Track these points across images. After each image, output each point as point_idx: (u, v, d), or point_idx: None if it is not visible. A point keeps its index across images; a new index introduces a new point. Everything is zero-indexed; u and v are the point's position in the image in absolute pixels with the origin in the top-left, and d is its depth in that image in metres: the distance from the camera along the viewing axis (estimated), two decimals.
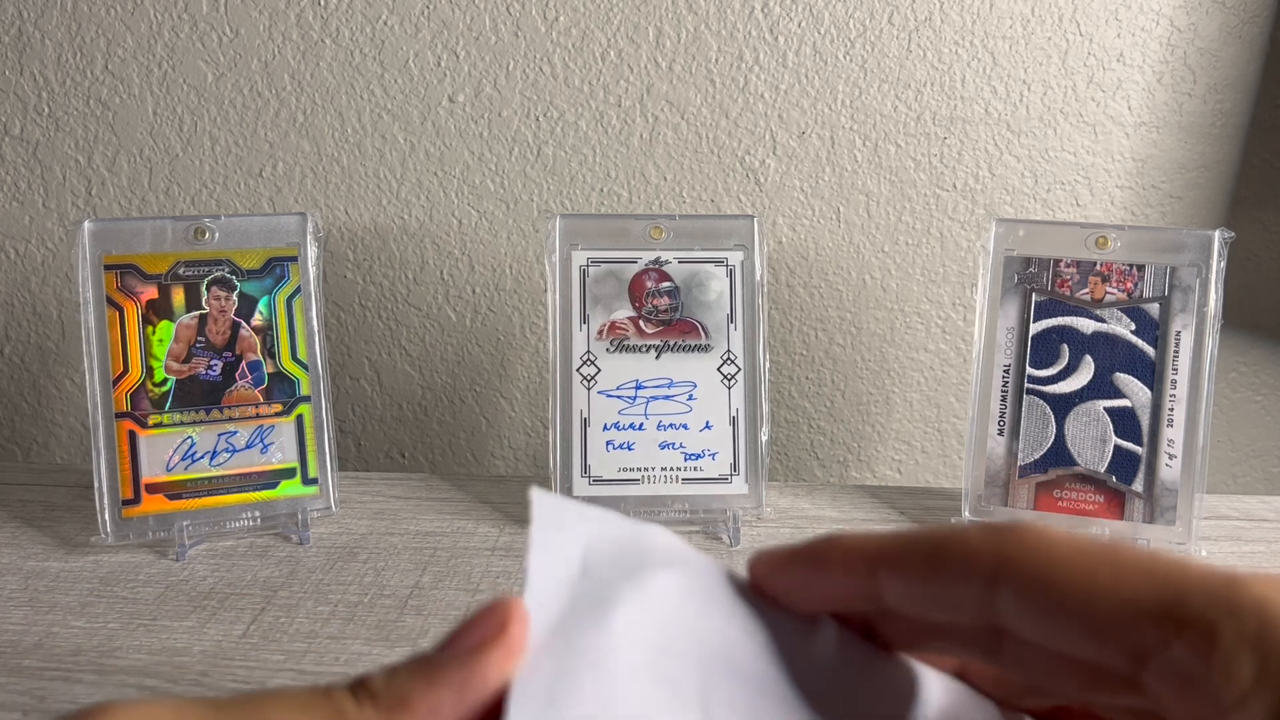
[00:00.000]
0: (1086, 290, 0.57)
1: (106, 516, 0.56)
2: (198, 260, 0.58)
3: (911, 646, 0.23)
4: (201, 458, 0.58)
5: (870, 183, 0.71)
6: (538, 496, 0.22)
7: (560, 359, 0.60)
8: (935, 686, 0.23)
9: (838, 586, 0.21)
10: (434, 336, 0.75)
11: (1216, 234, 0.55)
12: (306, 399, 0.60)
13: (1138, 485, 0.57)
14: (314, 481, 0.60)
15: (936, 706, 0.22)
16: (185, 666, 0.46)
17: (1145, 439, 0.57)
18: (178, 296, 0.58)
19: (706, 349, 0.60)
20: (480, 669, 0.19)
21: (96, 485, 0.56)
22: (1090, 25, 0.67)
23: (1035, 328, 0.58)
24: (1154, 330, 0.56)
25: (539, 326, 0.75)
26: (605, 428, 0.60)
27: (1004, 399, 0.59)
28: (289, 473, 0.60)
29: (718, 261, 0.60)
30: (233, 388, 0.59)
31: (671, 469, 0.60)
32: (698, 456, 0.60)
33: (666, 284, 0.60)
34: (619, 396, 0.60)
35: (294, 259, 0.60)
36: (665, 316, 0.60)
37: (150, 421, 0.57)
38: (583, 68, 0.69)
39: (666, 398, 0.60)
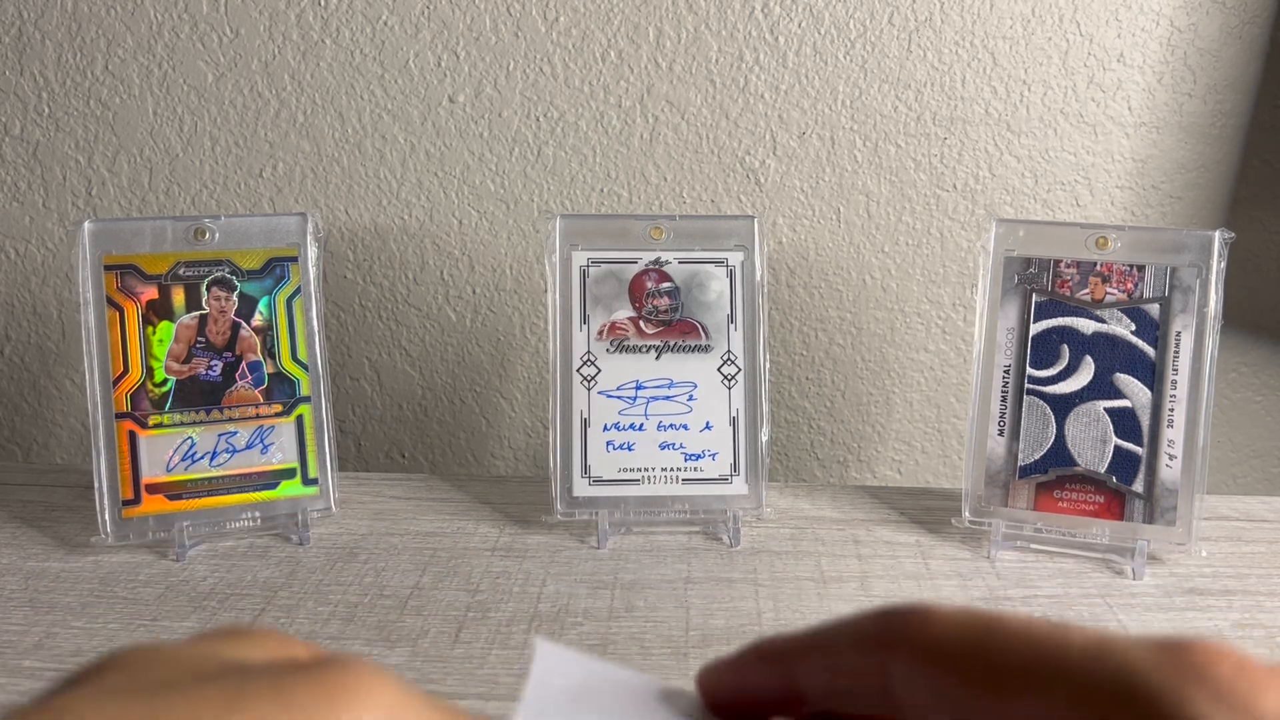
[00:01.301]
0: (1087, 291, 0.57)
1: (106, 517, 0.56)
2: (198, 260, 0.58)
3: None
4: (202, 458, 0.58)
5: (870, 183, 0.71)
6: (540, 644, 0.23)
7: (560, 359, 0.60)
8: None
9: (768, 687, 0.23)
10: (434, 337, 0.75)
11: (1216, 234, 0.55)
12: (306, 399, 0.60)
13: (1138, 486, 0.57)
14: (314, 482, 0.60)
15: None
16: None
17: (1145, 439, 0.57)
18: (178, 297, 0.58)
19: (706, 349, 0.60)
20: None
21: (96, 485, 0.56)
22: (1090, 25, 0.67)
23: (1035, 328, 0.58)
24: (1154, 331, 0.56)
25: (539, 327, 0.75)
26: (605, 428, 0.60)
27: (1004, 399, 0.59)
28: (289, 473, 0.60)
29: (718, 262, 0.60)
30: (233, 388, 0.59)
31: (672, 469, 0.60)
32: (698, 457, 0.60)
33: (666, 284, 0.60)
34: (619, 397, 0.60)
35: (294, 259, 0.60)
36: (665, 317, 0.60)
37: (150, 422, 0.57)
38: (583, 68, 0.69)
39: (667, 398, 0.60)
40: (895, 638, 0.21)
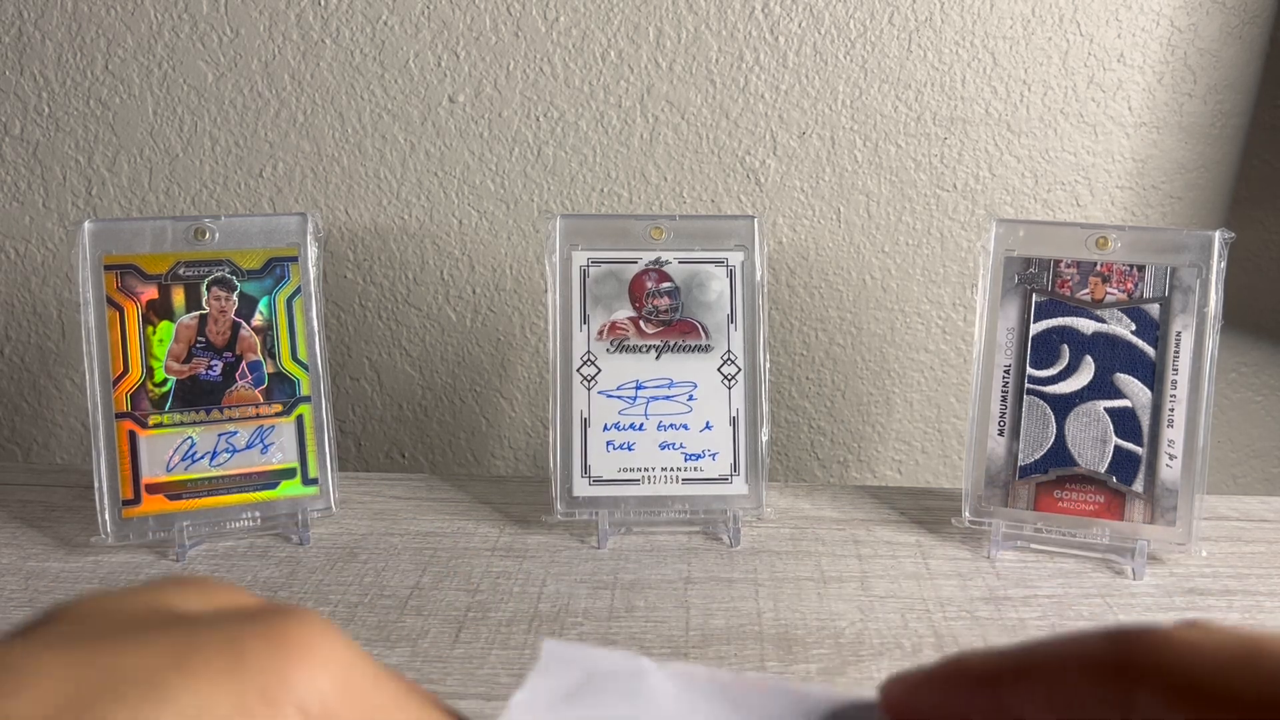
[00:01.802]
0: (1087, 290, 0.57)
1: (106, 517, 0.56)
2: (198, 260, 0.58)
3: None
4: (201, 458, 0.58)
5: (870, 183, 0.71)
6: (546, 644, 0.23)
7: (560, 359, 0.60)
8: None
9: (974, 712, 0.21)
10: (434, 336, 0.75)
11: (1216, 234, 0.55)
12: (306, 399, 0.60)
13: (1138, 486, 0.57)
14: (314, 482, 0.60)
15: None
16: None
17: (1145, 439, 0.57)
18: (178, 296, 0.58)
19: (707, 349, 0.60)
20: None
21: (96, 485, 0.56)
22: (1090, 26, 0.67)
23: (1035, 328, 0.58)
24: (1154, 331, 0.56)
25: (539, 327, 0.75)
26: (605, 428, 0.60)
27: (1004, 399, 0.59)
28: (289, 473, 0.60)
29: (718, 262, 0.60)
30: (233, 388, 0.59)
31: (672, 469, 0.60)
32: (698, 457, 0.60)
33: (667, 284, 0.60)
34: (619, 397, 0.60)
35: (294, 259, 0.60)
36: (665, 317, 0.60)
37: (150, 422, 0.57)
38: (583, 68, 0.69)
39: (667, 398, 0.60)
40: (1143, 665, 0.18)
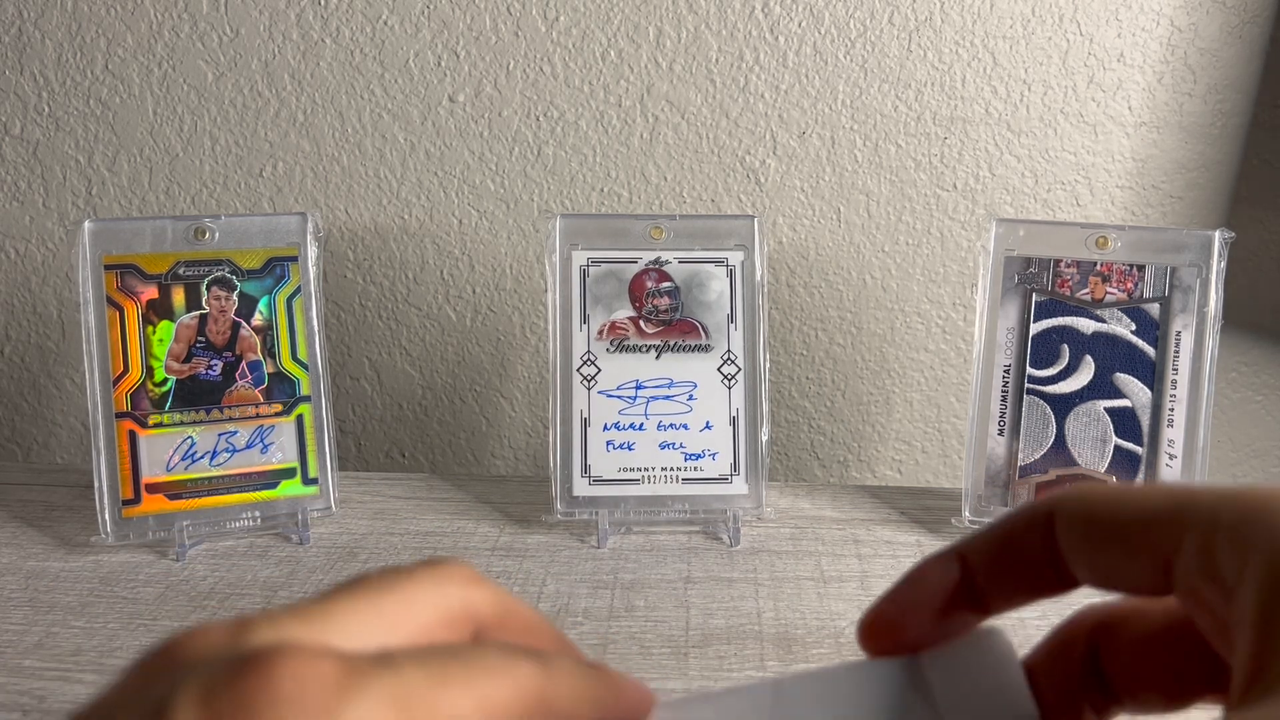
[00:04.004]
0: (1087, 290, 0.57)
1: (106, 516, 0.56)
2: (198, 260, 0.58)
3: (1002, 606, 0.26)
4: (201, 458, 0.58)
5: (870, 183, 0.71)
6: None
7: (560, 359, 0.60)
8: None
9: (938, 598, 0.25)
10: (434, 336, 0.75)
11: (1216, 234, 0.55)
12: (306, 399, 0.60)
13: None
14: (314, 481, 0.60)
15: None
16: None
17: (1145, 439, 0.57)
18: (178, 296, 0.58)
19: (707, 349, 0.60)
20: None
21: (96, 485, 0.56)
22: (1090, 25, 0.67)
23: (1035, 328, 0.58)
24: (1154, 330, 0.56)
25: (539, 326, 0.75)
26: (605, 428, 0.60)
27: (1004, 399, 0.59)
28: (289, 473, 0.60)
29: (718, 261, 0.60)
30: (233, 388, 0.59)
31: (672, 469, 0.60)
32: (698, 456, 0.60)
33: (667, 284, 0.60)
34: (619, 396, 0.60)
35: (294, 259, 0.60)
36: (665, 316, 0.60)
37: (150, 421, 0.57)
38: (583, 68, 0.69)
39: (667, 398, 0.60)
40: (1059, 503, 0.23)
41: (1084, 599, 0.25)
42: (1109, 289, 0.57)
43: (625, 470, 0.60)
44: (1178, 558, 0.21)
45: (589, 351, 0.60)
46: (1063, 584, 0.24)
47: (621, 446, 0.60)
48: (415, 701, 0.18)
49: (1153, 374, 0.57)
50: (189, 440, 0.58)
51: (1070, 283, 0.57)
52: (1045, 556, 0.23)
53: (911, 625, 0.25)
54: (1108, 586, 0.23)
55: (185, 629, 0.19)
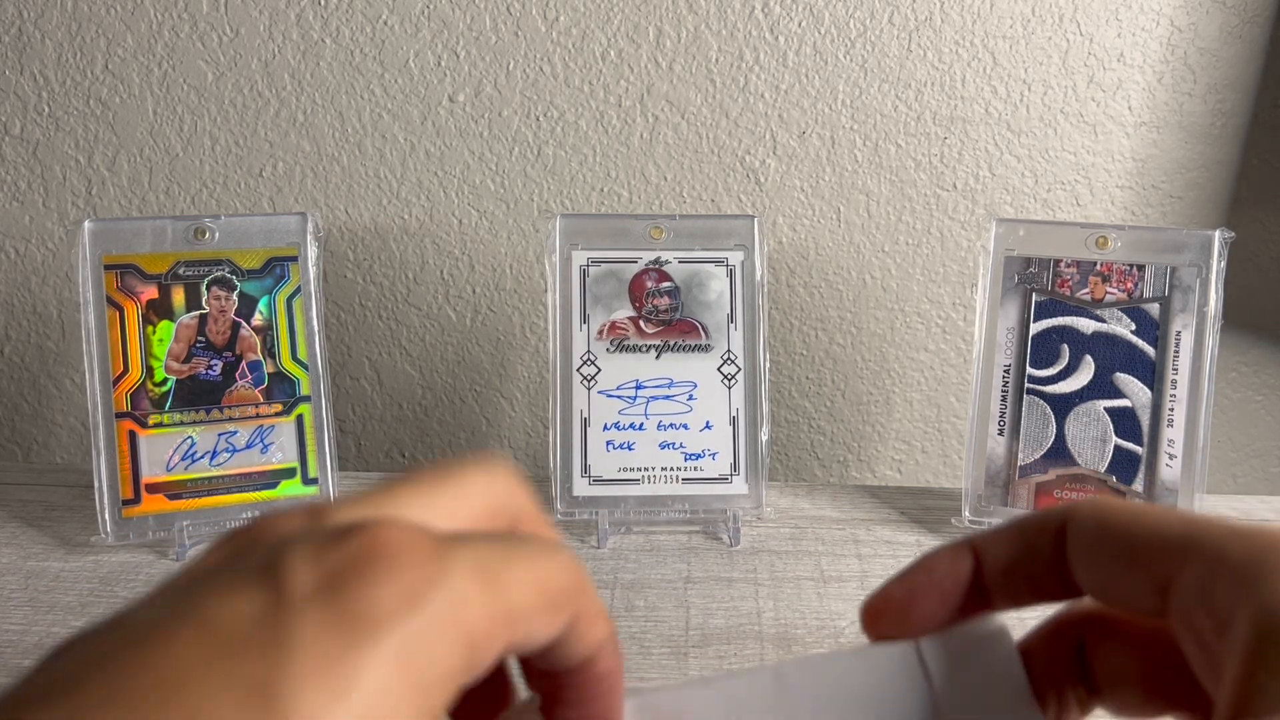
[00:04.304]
0: (1087, 290, 0.57)
1: (106, 516, 0.56)
2: (198, 260, 0.58)
3: (1005, 604, 0.26)
4: (201, 458, 0.58)
5: (870, 183, 0.71)
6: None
7: (560, 359, 0.60)
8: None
9: (947, 586, 0.25)
10: (434, 336, 0.75)
11: (1216, 234, 0.55)
12: (306, 399, 0.60)
13: (1138, 485, 0.57)
14: (314, 481, 0.60)
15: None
16: None
17: (1145, 439, 0.57)
18: (178, 296, 0.58)
19: (706, 349, 0.60)
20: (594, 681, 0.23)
21: (96, 485, 0.56)
22: (1090, 25, 0.67)
23: (1035, 328, 0.58)
24: (1154, 330, 0.56)
25: (539, 326, 0.75)
26: (605, 428, 0.60)
27: (1004, 399, 0.59)
28: (289, 473, 0.60)
29: (718, 261, 0.60)
30: (233, 388, 0.59)
31: (672, 469, 0.60)
32: (698, 456, 0.60)
33: (666, 284, 0.60)
34: (619, 396, 0.60)
35: (294, 259, 0.60)
36: (665, 316, 0.60)
37: (150, 421, 0.57)
38: (583, 68, 0.69)
39: (666, 398, 0.60)
40: (1071, 517, 0.24)
41: None
42: (1109, 289, 0.57)
43: (625, 470, 0.60)
44: (1178, 582, 0.21)
45: (589, 351, 0.60)
46: (1066, 591, 0.24)
47: (621, 446, 0.60)
48: (492, 572, 0.19)
49: (1153, 374, 0.57)
50: (189, 440, 0.58)
51: (1070, 283, 0.57)
52: (1053, 561, 0.24)
53: (917, 610, 0.25)
54: (1106, 599, 0.24)
55: (262, 514, 0.20)
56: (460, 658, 0.18)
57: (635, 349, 0.60)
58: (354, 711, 0.16)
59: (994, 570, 0.25)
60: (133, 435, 0.57)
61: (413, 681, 0.17)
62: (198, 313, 0.58)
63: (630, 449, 0.60)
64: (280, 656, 0.16)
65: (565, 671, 0.22)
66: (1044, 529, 0.24)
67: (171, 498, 0.58)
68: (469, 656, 0.18)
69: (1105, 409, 0.57)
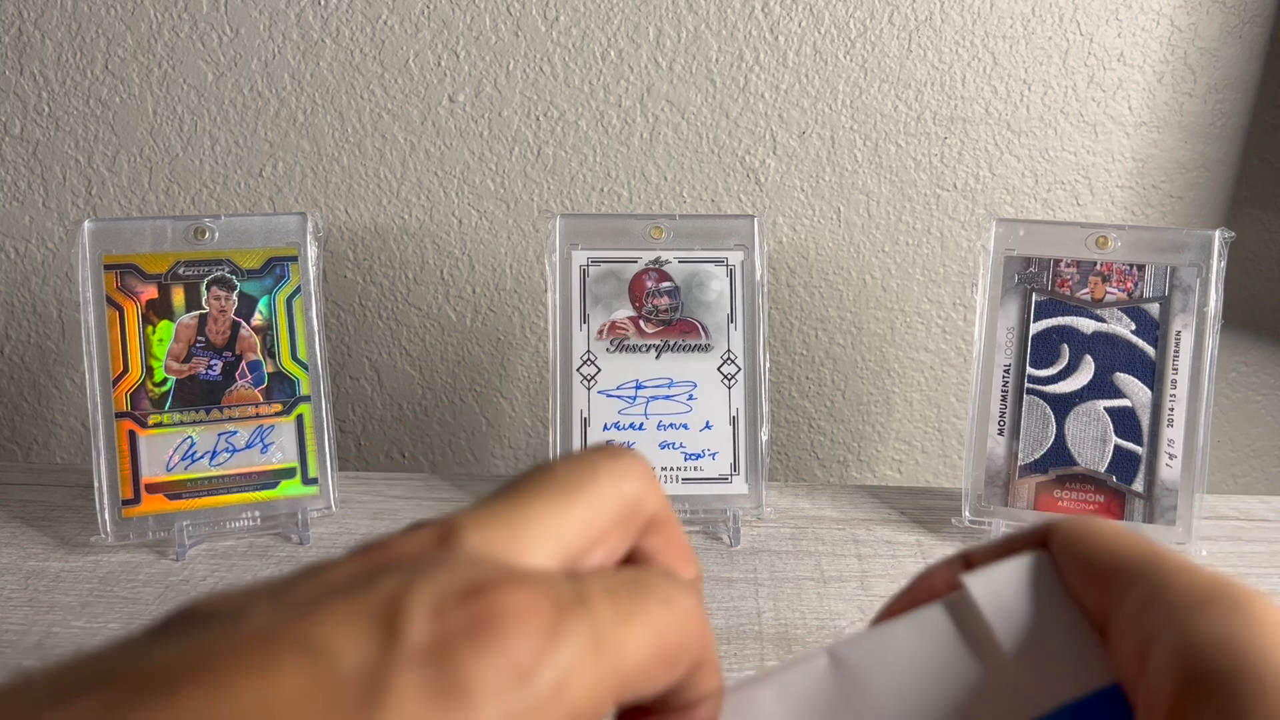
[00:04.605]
0: (1087, 290, 0.57)
1: (106, 516, 0.56)
2: (198, 260, 0.58)
3: None
4: (201, 457, 0.58)
5: (870, 182, 0.71)
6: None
7: (560, 359, 0.60)
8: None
9: (947, 582, 0.26)
10: (434, 336, 0.75)
11: (1217, 234, 0.55)
12: (306, 399, 0.60)
13: (1138, 485, 0.57)
14: (314, 481, 0.60)
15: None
16: None
17: (1145, 439, 0.57)
18: (178, 296, 0.58)
19: (706, 349, 0.60)
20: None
21: (96, 485, 0.56)
22: (1090, 25, 0.67)
23: (1035, 327, 0.58)
24: (1154, 330, 0.56)
25: (539, 326, 0.75)
26: (605, 427, 0.60)
27: (1004, 399, 0.59)
28: (289, 472, 0.60)
29: (718, 261, 0.60)
30: (233, 387, 0.59)
31: (671, 469, 0.60)
32: (698, 456, 0.60)
33: (667, 284, 0.60)
34: (619, 396, 0.60)
35: (294, 259, 0.60)
36: (665, 316, 0.60)
37: (150, 421, 0.57)
38: (583, 68, 0.69)
39: (666, 397, 0.60)
40: (1060, 520, 0.25)
41: None
42: (1109, 289, 0.57)
43: None
44: (1121, 605, 0.22)
45: (589, 351, 0.60)
46: None
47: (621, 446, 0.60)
48: (606, 641, 0.19)
49: (1153, 374, 0.57)
50: (189, 440, 0.58)
51: (1070, 282, 0.57)
52: None
53: None
54: None
55: (400, 531, 0.20)
56: None
57: (635, 349, 0.60)
58: None
59: None
60: (133, 435, 0.57)
61: None
62: (197, 313, 0.58)
63: (630, 449, 0.60)
64: (374, 714, 0.16)
65: (660, 712, 0.22)
66: (1030, 540, 0.25)
67: (171, 498, 0.58)
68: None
69: (1105, 409, 0.57)
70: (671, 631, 0.20)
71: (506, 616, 0.18)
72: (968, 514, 0.59)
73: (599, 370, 0.60)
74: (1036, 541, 0.25)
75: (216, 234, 0.58)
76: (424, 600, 0.17)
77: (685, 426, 0.60)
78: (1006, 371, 0.59)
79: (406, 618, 0.17)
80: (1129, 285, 0.57)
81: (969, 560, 0.26)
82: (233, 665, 0.16)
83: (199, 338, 0.58)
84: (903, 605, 0.26)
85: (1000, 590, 0.25)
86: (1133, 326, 0.57)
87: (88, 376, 0.56)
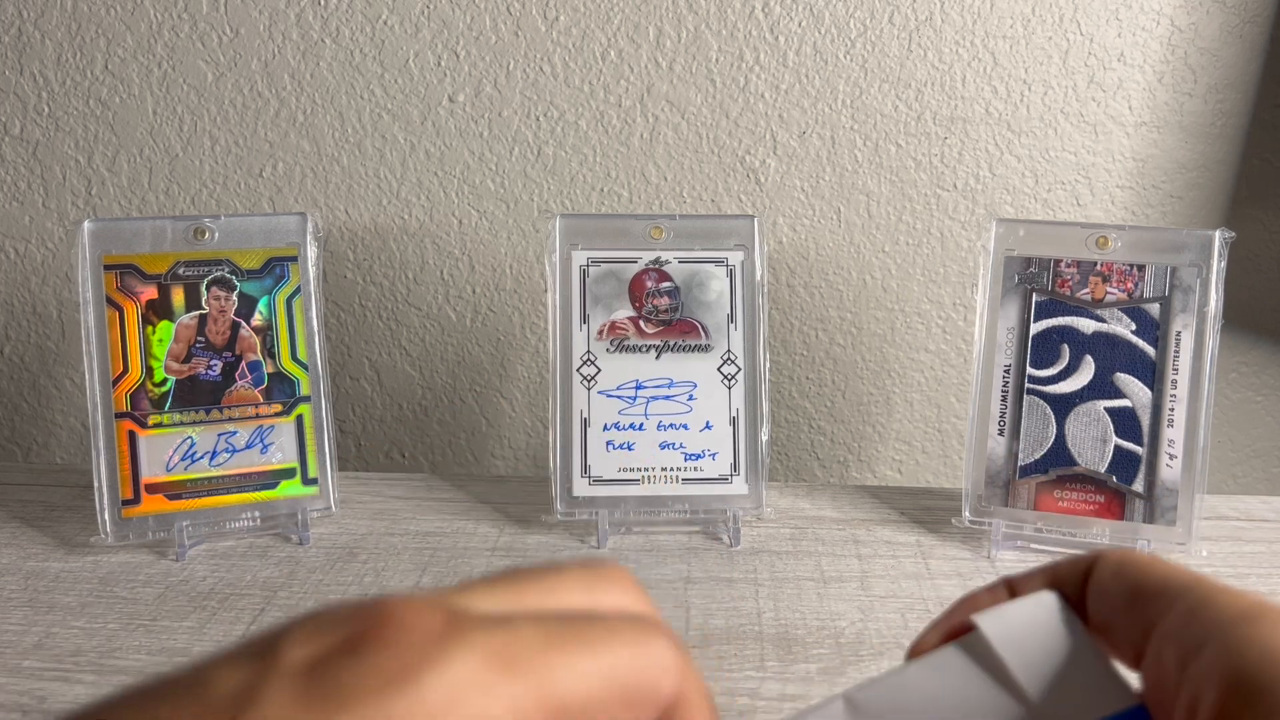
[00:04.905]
0: (1087, 290, 0.57)
1: (106, 517, 0.56)
2: (198, 260, 0.58)
3: None
4: (201, 458, 0.58)
5: (871, 183, 0.71)
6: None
7: (560, 359, 0.60)
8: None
9: (990, 605, 0.27)
10: (434, 336, 0.75)
11: (1217, 234, 0.55)
12: (306, 399, 0.60)
13: (1138, 485, 0.57)
14: (314, 481, 0.60)
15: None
16: None
17: (1146, 439, 0.57)
18: (177, 296, 0.58)
19: (707, 349, 0.60)
20: None
21: (96, 485, 0.56)
22: (1091, 25, 0.67)
23: (1035, 328, 0.58)
24: (1154, 330, 0.56)
25: (539, 326, 0.75)
26: (605, 428, 0.60)
27: (1004, 399, 0.58)
28: (289, 473, 0.60)
29: (718, 261, 0.60)
30: (233, 388, 0.59)
31: (672, 469, 0.60)
32: (698, 457, 0.60)
33: (667, 284, 0.60)
34: (619, 396, 0.60)
35: (294, 259, 0.59)
36: (665, 316, 0.60)
37: (150, 421, 0.57)
38: (583, 68, 0.69)
39: (667, 398, 0.60)
40: (1106, 549, 0.26)
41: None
42: (1109, 289, 0.57)
43: (625, 470, 0.60)
44: (1163, 620, 0.23)
45: (589, 351, 0.60)
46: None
47: (621, 446, 0.60)
48: (524, 660, 0.18)
49: (1153, 374, 0.57)
50: (189, 440, 0.58)
51: (1070, 283, 0.57)
52: (1078, 601, 0.26)
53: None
54: (1105, 636, 0.25)
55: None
56: None
57: (635, 349, 0.60)
58: None
59: None
60: (132, 435, 0.57)
61: None
62: (197, 313, 0.58)
63: (630, 449, 0.60)
64: (242, 713, 0.16)
65: None
66: (1075, 568, 0.26)
67: (171, 498, 0.58)
68: None
69: (1105, 409, 0.57)
70: (628, 668, 0.19)
71: (388, 625, 0.18)
72: (968, 514, 0.59)
73: (599, 370, 0.60)
74: (1082, 569, 0.26)
75: (216, 234, 0.58)
76: (305, 628, 0.18)
77: (685, 427, 0.60)
78: (1007, 372, 0.58)
79: (285, 644, 0.17)
80: (1129, 285, 0.57)
81: (1012, 586, 0.27)
82: (147, 704, 0.17)
83: (199, 338, 0.58)
84: (944, 627, 0.27)
85: (1012, 627, 0.25)
86: (1133, 327, 0.57)
87: (87, 377, 0.56)
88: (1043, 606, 0.25)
